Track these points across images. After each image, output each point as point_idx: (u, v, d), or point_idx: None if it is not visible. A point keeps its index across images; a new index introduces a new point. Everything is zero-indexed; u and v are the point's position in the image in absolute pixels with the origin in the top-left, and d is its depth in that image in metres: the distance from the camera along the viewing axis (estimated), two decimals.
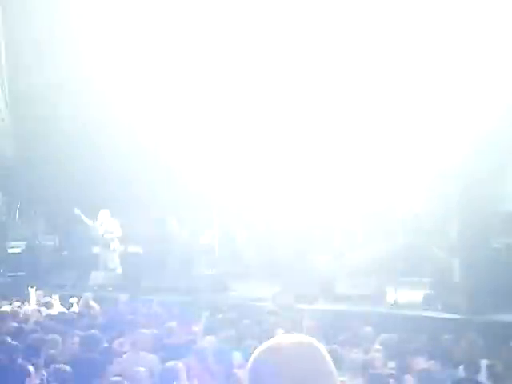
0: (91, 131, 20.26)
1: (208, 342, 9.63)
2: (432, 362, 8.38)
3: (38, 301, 14.19)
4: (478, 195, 12.48)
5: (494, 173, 12.39)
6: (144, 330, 9.59)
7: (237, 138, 18.25)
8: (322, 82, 16.69)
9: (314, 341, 2.03)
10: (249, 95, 17.94)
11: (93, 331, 9.11)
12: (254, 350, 2.05)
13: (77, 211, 19.06)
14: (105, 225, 19.17)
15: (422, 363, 8.17)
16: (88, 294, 14.65)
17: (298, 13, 16.73)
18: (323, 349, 2.01)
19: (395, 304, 13.27)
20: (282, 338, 2.03)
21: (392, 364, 8.56)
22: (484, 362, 8.07)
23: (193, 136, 18.87)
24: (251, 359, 2.01)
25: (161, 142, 19.51)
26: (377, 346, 8.99)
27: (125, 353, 8.78)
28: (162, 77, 19.14)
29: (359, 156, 16.93)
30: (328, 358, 1.99)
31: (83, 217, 19.16)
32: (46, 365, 8.02)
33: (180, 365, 7.59)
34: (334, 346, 8.26)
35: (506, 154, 12.80)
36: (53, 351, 8.53)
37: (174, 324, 10.59)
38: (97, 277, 18.28)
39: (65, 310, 13.51)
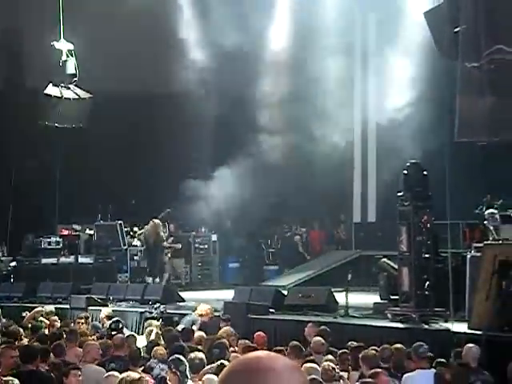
0: None
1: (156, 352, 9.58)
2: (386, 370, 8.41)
3: None
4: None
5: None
6: (91, 342, 9.47)
7: None
8: None
9: (290, 361, 2.01)
10: None
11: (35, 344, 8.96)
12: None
13: None
14: None
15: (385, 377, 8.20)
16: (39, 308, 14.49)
17: None
18: (301, 371, 2.00)
19: (346, 313, 13.36)
20: (259, 354, 2.00)
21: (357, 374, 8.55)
22: (431, 371, 8.18)
23: None
24: (225, 371, 1.97)
25: None
26: (329, 356, 9.01)
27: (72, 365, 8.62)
28: None
29: None
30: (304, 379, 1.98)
31: None
32: None
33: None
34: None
35: None
36: None
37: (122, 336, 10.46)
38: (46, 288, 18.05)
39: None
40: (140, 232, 20.46)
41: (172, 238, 20.06)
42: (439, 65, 14.62)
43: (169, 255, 19.94)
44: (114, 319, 12.72)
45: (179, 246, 20.20)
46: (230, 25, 19.20)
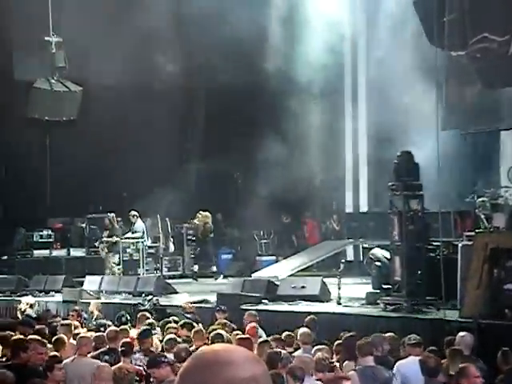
0: None
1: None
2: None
3: None
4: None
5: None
6: (84, 334, 9.46)
7: None
8: None
9: (248, 352, 1.99)
10: None
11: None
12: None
13: None
14: None
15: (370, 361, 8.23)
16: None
17: None
18: (261, 361, 1.97)
19: (339, 303, 13.40)
20: (216, 348, 1.97)
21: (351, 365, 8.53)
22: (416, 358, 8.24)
23: None
24: (184, 367, 1.93)
25: None
26: (320, 346, 9.02)
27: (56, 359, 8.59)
28: None
29: None
30: (262, 367, 1.95)
31: None
32: None
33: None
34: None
35: None
36: None
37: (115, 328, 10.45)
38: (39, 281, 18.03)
39: None
40: (194, 222, 20.34)
41: (107, 232, 19.37)
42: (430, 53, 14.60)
43: (105, 250, 19.24)
44: (121, 313, 12.74)
45: (114, 239, 19.34)
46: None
